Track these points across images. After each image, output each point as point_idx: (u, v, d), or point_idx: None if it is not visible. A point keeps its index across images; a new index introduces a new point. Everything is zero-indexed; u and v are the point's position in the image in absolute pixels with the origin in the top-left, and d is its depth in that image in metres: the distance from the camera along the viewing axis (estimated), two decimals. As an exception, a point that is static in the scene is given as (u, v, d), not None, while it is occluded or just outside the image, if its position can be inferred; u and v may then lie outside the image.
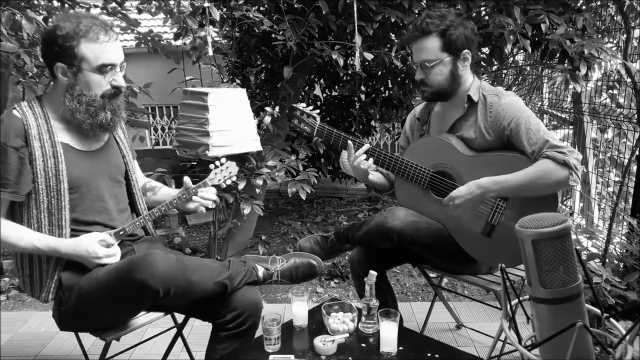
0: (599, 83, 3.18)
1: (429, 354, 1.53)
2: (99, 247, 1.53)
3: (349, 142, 1.88)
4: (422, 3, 2.86)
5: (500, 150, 1.78)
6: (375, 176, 2.03)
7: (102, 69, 1.51)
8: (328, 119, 4.56)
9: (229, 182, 1.72)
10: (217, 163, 1.70)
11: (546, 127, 1.72)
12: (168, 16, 3.79)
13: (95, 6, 3.37)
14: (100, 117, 1.55)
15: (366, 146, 1.87)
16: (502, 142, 1.78)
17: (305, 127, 1.98)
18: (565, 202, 3.63)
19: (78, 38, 1.46)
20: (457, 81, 1.81)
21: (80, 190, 1.58)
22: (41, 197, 1.51)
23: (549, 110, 3.80)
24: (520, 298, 1.32)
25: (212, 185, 1.70)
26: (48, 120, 1.54)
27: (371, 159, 1.89)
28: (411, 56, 1.91)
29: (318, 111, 2.00)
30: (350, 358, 1.52)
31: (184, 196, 1.67)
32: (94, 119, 1.54)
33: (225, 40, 3.56)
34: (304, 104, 2.00)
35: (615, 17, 3.12)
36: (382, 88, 4.49)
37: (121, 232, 1.61)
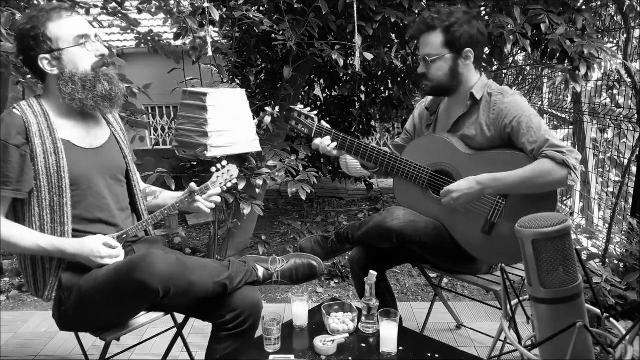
0: (599, 83, 3.18)
1: (429, 354, 1.53)
2: (104, 248, 1.53)
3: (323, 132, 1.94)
4: (422, 3, 2.86)
5: (500, 149, 1.79)
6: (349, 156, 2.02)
7: (79, 41, 1.53)
8: (328, 119, 4.56)
9: (229, 184, 1.74)
10: (219, 166, 1.72)
11: (548, 127, 1.73)
12: (168, 16, 3.79)
13: (95, 6, 3.37)
14: (99, 88, 1.56)
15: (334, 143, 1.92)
16: (503, 140, 1.78)
17: (304, 129, 1.98)
18: (565, 202, 3.63)
19: (44, 22, 1.49)
20: (457, 78, 1.82)
21: (81, 187, 1.58)
22: (43, 195, 1.52)
23: (549, 110, 3.80)
24: (520, 298, 1.32)
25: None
26: (48, 118, 1.54)
27: (334, 143, 1.91)
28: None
29: (316, 112, 2.00)
30: (350, 358, 1.52)
31: (187, 199, 1.69)
32: (94, 92, 1.56)
33: (225, 40, 3.56)
34: (301, 106, 2.00)
35: (615, 17, 3.12)
36: (382, 88, 4.49)
37: (124, 236, 1.61)
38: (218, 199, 1.74)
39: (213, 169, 1.71)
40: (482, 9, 3.01)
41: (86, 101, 1.56)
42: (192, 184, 1.70)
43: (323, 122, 1.99)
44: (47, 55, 1.51)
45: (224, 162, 1.73)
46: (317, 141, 1.96)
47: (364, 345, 1.60)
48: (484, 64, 3.00)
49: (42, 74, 1.55)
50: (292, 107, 1.99)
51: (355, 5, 2.62)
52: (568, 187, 1.69)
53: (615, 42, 3.11)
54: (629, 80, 2.80)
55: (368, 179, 4.87)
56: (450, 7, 1.80)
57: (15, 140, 1.47)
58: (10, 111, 1.52)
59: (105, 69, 1.59)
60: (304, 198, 2.78)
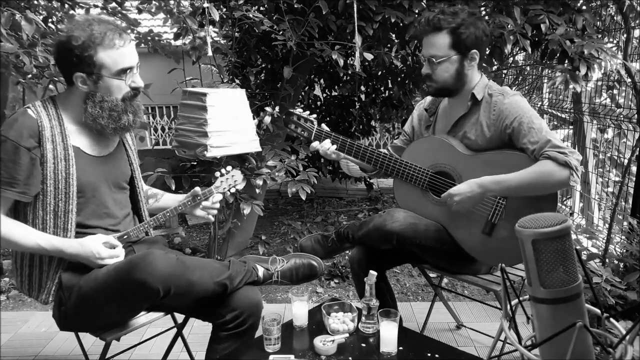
0: (599, 83, 3.18)
1: (429, 354, 1.53)
2: (103, 248, 1.53)
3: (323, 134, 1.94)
4: (422, 3, 2.86)
5: (499, 149, 1.78)
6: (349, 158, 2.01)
7: (121, 74, 1.52)
8: (328, 119, 4.56)
9: (233, 190, 1.74)
10: (223, 171, 1.73)
11: (549, 128, 1.73)
12: (168, 16, 3.80)
13: (95, 6, 3.37)
14: (123, 120, 1.56)
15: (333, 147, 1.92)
16: (502, 141, 1.78)
17: (303, 132, 1.97)
18: (565, 202, 3.63)
19: (95, 46, 1.46)
20: (462, 80, 1.81)
21: (86, 195, 1.58)
22: (48, 199, 1.51)
23: (549, 110, 3.80)
24: (520, 298, 1.32)
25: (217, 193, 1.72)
26: (62, 123, 1.53)
27: (334, 146, 1.91)
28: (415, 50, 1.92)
29: (315, 115, 1.99)
30: (350, 358, 1.52)
31: (189, 202, 1.69)
32: (117, 123, 1.56)
33: (225, 40, 3.56)
34: (300, 109, 1.99)
35: (615, 17, 3.12)
36: (382, 88, 4.49)
37: (125, 237, 1.61)
38: (218, 205, 1.75)
39: (217, 174, 1.72)
40: (482, 9, 3.00)
41: (107, 129, 1.55)
42: (197, 188, 1.70)
43: (323, 125, 1.99)
44: (84, 75, 1.49)
45: (229, 167, 1.74)
46: (315, 144, 1.95)
47: (364, 345, 1.60)
48: (484, 64, 3.00)
49: (71, 82, 1.53)
50: (291, 110, 1.98)
51: (355, 5, 2.62)
52: (569, 187, 1.69)
53: (615, 42, 3.11)
54: (629, 80, 2.80)
55: (368, 179, 4.87)
56: (454, 8, 1.79)
57: (26, 143, 1.46)
58: (24, 111, 1.50)
59: (134, 101, 1.59)
60: (304, 198, 2.78)
